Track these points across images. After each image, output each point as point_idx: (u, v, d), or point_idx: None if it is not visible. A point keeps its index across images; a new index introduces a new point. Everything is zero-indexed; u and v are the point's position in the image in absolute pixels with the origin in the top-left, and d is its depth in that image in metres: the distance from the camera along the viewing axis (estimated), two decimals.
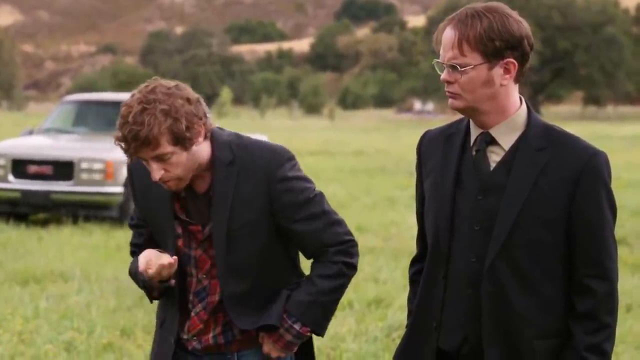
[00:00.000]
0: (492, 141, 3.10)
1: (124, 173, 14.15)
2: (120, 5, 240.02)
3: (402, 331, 3.93)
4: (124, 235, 13.15)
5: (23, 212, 14.60)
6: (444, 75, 3.07)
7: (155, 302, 3.61)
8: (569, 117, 74.69)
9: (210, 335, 3.47)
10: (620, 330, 6.05)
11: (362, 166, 25.78)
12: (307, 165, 19.01)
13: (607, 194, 3.06)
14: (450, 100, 3.09)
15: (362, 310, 8.66)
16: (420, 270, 3.27)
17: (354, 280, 5.00)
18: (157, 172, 3.27)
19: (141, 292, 8.95)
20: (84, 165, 14.19)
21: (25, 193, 14.21)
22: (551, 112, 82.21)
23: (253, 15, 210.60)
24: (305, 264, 3.50)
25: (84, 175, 14.18)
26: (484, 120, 3.10)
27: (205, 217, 3.40)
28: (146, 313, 8.34)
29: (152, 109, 3.20)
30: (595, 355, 3.04)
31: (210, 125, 3.36)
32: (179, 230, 3.44)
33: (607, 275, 3.06)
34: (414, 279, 3.36)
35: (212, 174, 3.37)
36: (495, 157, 3.11)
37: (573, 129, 4.51)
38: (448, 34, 3.04)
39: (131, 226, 3.63)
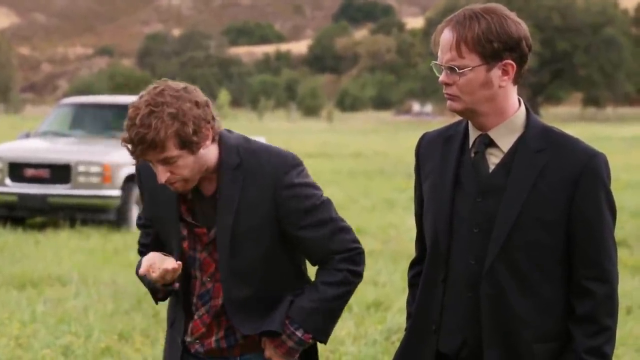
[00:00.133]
0: (491, 143, 3.09)
1: (121, 176, 14.16)
2: (117, 7, 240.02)
3: (401, 334, 3.91)
4: (122, 239, 13.14)
5: (20, 215, 14.59)
6: (442, 77, 3.05)
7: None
8: (568, 119, 74.74)
9: (213, 339, 3.46)
10: (620, 332, 6.02)
11: (360, 168, 25.80)
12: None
13: (606, 196, 3.05)
14: (448, 102, 3.08)
15: (361, 313, 8.65)
16: (419, 272, 3.26)
17: None
18: (163, 174, 3.27)
19: (139, 295, 9.00)
20: (81, 168, 14.18)
21: (22, 196, 14.20)
22: (550, 113, 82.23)
23: (251, 17, 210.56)
24: (311, 270, 3.47)
25: (81, 179, 14.18)
26: (482, 122, 3.08)
27: (211, 220, 3.39)
28: (144, 317, 8.32)
29: (159, 112, 3.18)
30: (595, 358, 3.03)
31: (219, 128, 3.35)
32: (185, 232, 3.44)
33: (607, 277, 3.05)
34: (413, 282, 3.36)
35: (218, 177, 3.36)
36: (494, 159, 3.10)
37: (572, 130, 4.50)
38: (446, 36, 3.03)
39: (139, 226, 3.63)
